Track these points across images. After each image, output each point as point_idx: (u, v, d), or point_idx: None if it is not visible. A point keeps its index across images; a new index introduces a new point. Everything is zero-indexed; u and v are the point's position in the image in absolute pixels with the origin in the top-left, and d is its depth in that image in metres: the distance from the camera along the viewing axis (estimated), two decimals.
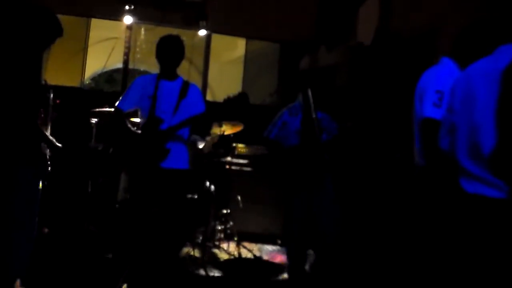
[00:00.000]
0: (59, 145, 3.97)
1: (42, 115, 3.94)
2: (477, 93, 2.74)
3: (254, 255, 6.10)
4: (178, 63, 4.67)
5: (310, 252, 5.21)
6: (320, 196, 4.70)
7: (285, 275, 5.25)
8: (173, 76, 4.65)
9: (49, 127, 4.03)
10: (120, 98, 4.73)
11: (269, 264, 5.88)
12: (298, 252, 4.88)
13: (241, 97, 4.34)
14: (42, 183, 3.94)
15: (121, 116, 4.65)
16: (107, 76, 13.50)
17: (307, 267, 5.12)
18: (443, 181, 3.21)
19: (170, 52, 4.61)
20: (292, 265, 4.93)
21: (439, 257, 3.31)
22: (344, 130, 5.08)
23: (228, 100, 4.41)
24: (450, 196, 2.99)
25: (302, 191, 4.74)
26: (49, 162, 3.96)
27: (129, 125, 4.68)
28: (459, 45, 3.63)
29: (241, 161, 6.80)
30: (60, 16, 4.75)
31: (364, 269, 5.14)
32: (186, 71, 8.30)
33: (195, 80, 8.68)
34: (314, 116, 4.61)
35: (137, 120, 4.92)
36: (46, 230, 5.96)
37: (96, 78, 12.53)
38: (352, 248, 5.34)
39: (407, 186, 3.86)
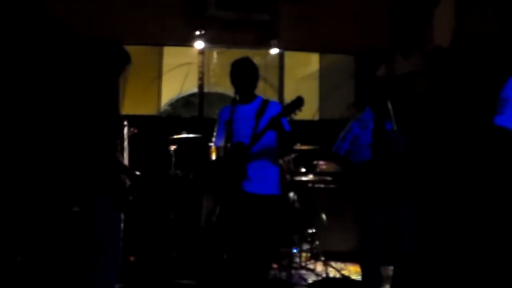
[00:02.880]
0: (138, 173, 4.01)
1: (119, 146, 3.98)
2: None
3: (342, 275, 5.93)
4: (252, 85, 4.56)
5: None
6: (397, 214, 4.48)
7: None
8: (250, 98, 4.55)
9: (126, 156, 4.07)
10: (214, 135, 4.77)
11: (358, 283, 5.67)
12: (372, 271, 4.66)
13: (297, 101, 4.17)
14: (123, 212, 3.98)
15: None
16: (184, 101, 13.68)
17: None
18: None
19: (242, 75, 4.52)
20: (366, 283, 4.72)
21: None
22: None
23: (286, 107, 4.24)
24: None
25: (375, 209, 4.53)
26: (129, 192, 3.99)
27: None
28: None
29: (324, 178, 6.64)
30: (133, 47, 4.84)
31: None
32: (262, 90, 8.21)
33: (271, 98, 8.64)
34: (395, 128, 4.41)
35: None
36: (132, 258, 6.02)
37: (173, 104, 12.71)
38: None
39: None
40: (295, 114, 4.13)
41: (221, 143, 4.61)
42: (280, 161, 6.10)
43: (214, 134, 4.74)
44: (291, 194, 6.22)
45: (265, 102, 4.49)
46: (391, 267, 4.94)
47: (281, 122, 4.19)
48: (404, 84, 5.41)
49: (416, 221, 4.54)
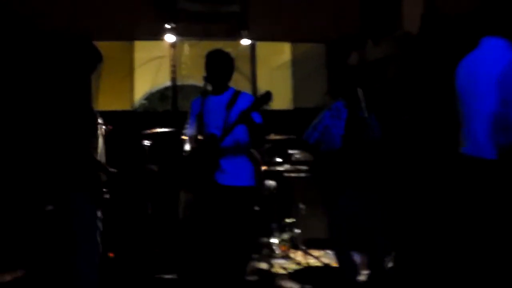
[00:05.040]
0: (113, 170, 4.00)
1: (94, 143, 3.96)
2: None
3: (323, 263, 5.97)
4: (226, 77, 4.57)
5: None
6: (366, 201, 4.54)
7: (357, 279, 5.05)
8: (222, 89, 4.56)
9: (103, 154, 4.05)
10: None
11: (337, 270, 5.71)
12: (345, 258, 4.72)
13: (266, 96, 4.18)
14: (100, 209, 3.96)
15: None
16: (160, 95, 13.64)
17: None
18: None
19: (216, 66, 4.52)
20: (342, 268, 4.77)
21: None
22: (401, 123, 4.85)
23: (256, 101, 4.24)
24: None
25: (344, 197, 4.59)
26: (105, 189, 3.98)
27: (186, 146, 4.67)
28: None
29: (299, 167, 6.67)
30: (103, 43, 4.79)
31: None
32: (235, 80, 8.23)
33: (245, 88, 8.60)
34: (365, 115, 4.45)
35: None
36: (111, 254, 6.00)
37: (149, 98, 12.67)
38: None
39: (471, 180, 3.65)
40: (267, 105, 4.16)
41: (193, 133, 4.62)
42: (254, 152, 6.13)
43: (186, 125, 4.73)
44: (270, 182, 6.25)
45: (237, 93, 4.50)
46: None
47: (250, 116, 4.20)
48: (375, 71, 5.44)
49: (384, 207, 4.61)
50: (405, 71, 6.20)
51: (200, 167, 4.43)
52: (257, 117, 4.33)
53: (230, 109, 4.38)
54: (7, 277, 5.19)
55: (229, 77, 4.60)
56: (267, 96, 4.11)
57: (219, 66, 4.53)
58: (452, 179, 3.86)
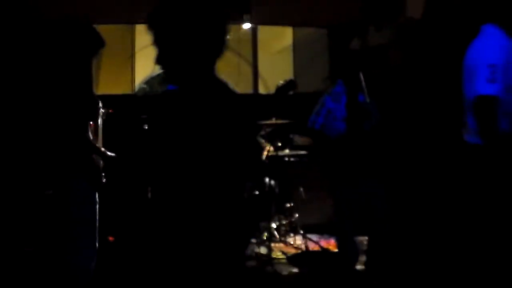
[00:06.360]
0: (112, 154, 3.99)
1: (93, 127, 3.95)
2: None
3: (321, 247, 5.98)
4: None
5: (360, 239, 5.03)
6: (371, 185, 4.53)
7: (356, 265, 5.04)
8: None
9: (101, 138, 4.04)
10: None
11: (336, 255, 5.72)
12: (348, 243, 4.72)
13: (290, 83, 4.18)
14: (97, 194, 3.96)
15: None
16: (160, 79, 13.57)
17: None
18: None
19: None
20: (343, 254, 4.78)
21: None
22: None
23: (279, 89, 4.25)
24: None
25: (350, 182, 4.57)
26: (103, 174, 3.98)
27: None
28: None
29: (300, 152, 6.65)
30: (104, 27, 4.76)
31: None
32: (236, 64, 8.22)
33: (246, 73, 8.58)
34: (368, 100, 4.43)
35: None
36: (111, 238, 6.01)
37: (150, 82, 12.63)
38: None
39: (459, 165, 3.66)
40: None
41: None
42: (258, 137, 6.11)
43: None
44: (267, 179, 6.23)
45: None
46: (365, 237, 5.02)
47: None
48: (377, 56, 5.40)
49: (388, 192, 4.60)
50: (407, 58, 6.17)
51: None
52: None
53: None
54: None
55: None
56: (291, 84, 4.10)
57: None
58: (455, 166, 3.85)
